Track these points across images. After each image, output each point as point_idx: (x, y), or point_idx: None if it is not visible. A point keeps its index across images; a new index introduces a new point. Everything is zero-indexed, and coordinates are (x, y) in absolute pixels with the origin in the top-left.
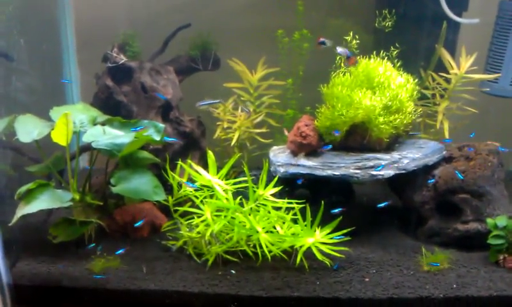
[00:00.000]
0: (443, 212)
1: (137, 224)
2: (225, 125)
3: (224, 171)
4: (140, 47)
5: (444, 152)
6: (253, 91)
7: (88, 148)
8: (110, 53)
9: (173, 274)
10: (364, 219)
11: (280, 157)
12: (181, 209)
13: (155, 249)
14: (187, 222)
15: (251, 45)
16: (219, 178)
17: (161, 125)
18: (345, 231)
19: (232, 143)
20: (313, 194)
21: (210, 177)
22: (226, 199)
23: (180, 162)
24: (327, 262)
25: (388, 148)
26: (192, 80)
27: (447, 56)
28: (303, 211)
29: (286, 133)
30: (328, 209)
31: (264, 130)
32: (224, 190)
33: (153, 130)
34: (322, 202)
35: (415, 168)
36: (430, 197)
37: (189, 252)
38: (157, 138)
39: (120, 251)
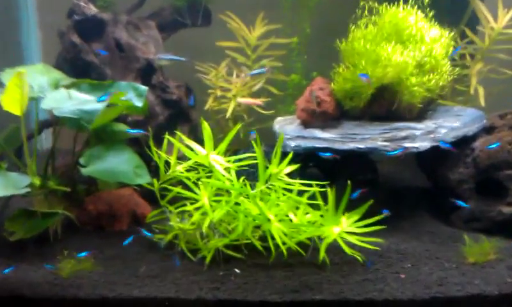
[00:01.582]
0: (484, 193)
1: (126, 242)
2: (218, 94)
3: (223, 145)
4: None
5: (484, 121)
6: (250, 52)
7: (53, 122)
8: (77, 3)
9: (162, 276)
10: (390, 203)
11: (288, 128)
12: (170, 194)
13: (138, 245)
14: (178, 210)
15: None
16: (218, 154)
17: (143, 88)
18: (377, 217)
19: (227, 115)
20: (325, 174)
21: (206, 153)
22: (229, 180)
23: (167, 136)
24: (358, 257)
25: (420, 115)
26: (179, 39)
27: (482, 8)
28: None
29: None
30: (345, 191)
31: (263, 99)
32: (225, 169)
33: (134, 94)
34: (349, 183)
35: (454, 139)
36: (469, 175)
37: (181, 248)
38: (139, 104)
39: (86, 253)
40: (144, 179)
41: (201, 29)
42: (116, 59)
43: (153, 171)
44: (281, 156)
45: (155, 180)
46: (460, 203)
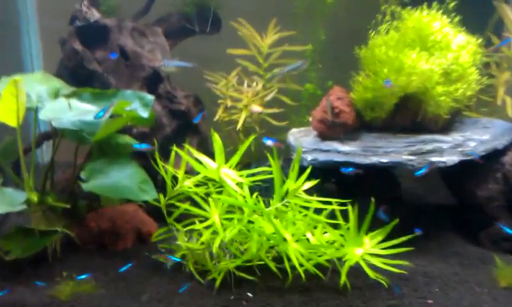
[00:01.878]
0: None
1: (123, 268)
2: (228, 104)
3: (235, 158)
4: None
5: None
6: (262, 60)
7: (53, 133)
8: (79, 9)
9: (168, 300)
10: (414, 221)
11: (303, 141)
12: (177, 212)
13: (143, 265)
14: (186, 228)
15: (260, 2)
16: (229, 168)
17: (150, 97)
18: (404, 238)
19: (238, 126)
20: (343, 191)
21: (217, 167)
22: (242, 196)
23: (174, 148)
24: (382, 281)
25: (445, 128)
26: (187, 47)
27: (509, 13)
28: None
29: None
30: (365, 209)
31: (276, 110)
32: (237, 184)
33: (139, 104)
34: (372, 200)
35: (484, 153)
36: (499, 191)
37: (189, 270)
38: (145, 114)
39: (87, 275)
40: (150, 195)
41: (210, 38)
42: (121, 68)
43: (160, 186)
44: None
45: (161, 196)
46: (507, 230)
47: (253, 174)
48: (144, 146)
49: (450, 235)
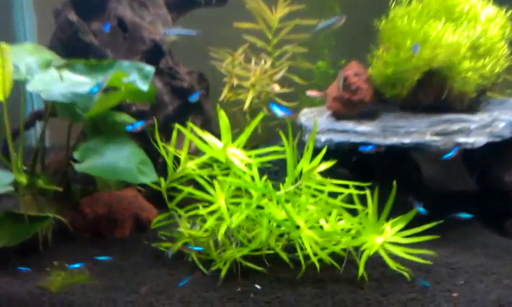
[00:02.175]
0: None
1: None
2: (234, 83)
3: (243, 137)
4: None
5: None
6: (271, 36)
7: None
8: None
9: (169, 292)
10: (435, 208)
11: (317, 121)
12: (180, 196)
13: (142, 254)
14: (189, 214)
15: None
16: (237, 148)
17: (149, 68)
18: (428, 226)
19: (245, 107)
20: (357, 176)
21: (223, 146)
22: (252, 178)
23: (177, 126)
24: (404, 272)
25: (471, 107)
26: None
27: None
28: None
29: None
30: (384, 195)
31: (286, 89)
32: (246, 165)
33: (138, 76)
34: (394, 184)
35: None
36: None
37: (191, 259)
38: (144, 87)
39: (80, 265)
40: (149, 177)
41: (216, 13)
42: (119, 40)
43: (161, 169)
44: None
45: (162, 179)
46: None
47: (263, 155)
48: (138, 124)
49: (474, 223)
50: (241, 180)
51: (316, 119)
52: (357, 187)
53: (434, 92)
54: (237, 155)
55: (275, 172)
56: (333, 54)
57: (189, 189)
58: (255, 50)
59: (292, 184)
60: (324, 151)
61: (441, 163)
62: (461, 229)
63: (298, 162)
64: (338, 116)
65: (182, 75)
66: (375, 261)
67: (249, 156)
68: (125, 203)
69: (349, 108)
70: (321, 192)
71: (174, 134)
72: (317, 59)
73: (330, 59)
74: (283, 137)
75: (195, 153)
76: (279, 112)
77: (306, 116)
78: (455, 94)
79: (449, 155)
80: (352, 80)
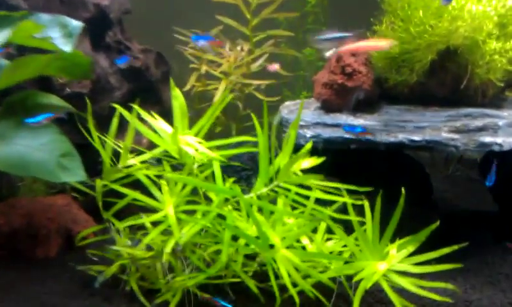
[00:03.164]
0: None
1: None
2: (203, 70)
3: (203, 122)
4: None
5: None
6: (250, 16)
7: None
8: None
9: None
10: (448, 231)
11: (302, 114)
12: (121, 203)
13: (67, 281)
14: (126, 225)
15: None
16: (195, 137)
17: (76, 23)
18: (448, 249)
19: (215, 99)
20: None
21: (173, 132)
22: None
23: (118, 108)
24: None
25: (493, 102)
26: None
27: None
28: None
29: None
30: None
31: (265, 81)
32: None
33: (60, 33)
34: (403, 191)
35: None
36: None
37: (130, 288)
38: (65, 47)
39: None
40: (74, 175)
41: None
42: (55, 4)
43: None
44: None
45: (97, 181)
46: None
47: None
48: (42, 117)
49: (496, 250)
50: (197, 179)
51: (289, 114)
52: (353, 196)
53: (450, 80)
54: (193, 145)
55: (247, 177)
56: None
57: (126, 191)
58: (231, 34)
59: (266, 186)
60: (309, 145)
61: (446, 179)
62: (478, 256)
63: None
64: (328, 107)
65: (135, 52)
66: (373, 295)
67: (210, 148)
68: (52, 214)
69: (342, 97)
70: (305, 199)
71: (114, 121)
72: (303, 45)
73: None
74: (256, 125)
75: (150, 148)
76: (201, 42)
77: (288, 108)
78: (476, 84)
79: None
80: (347, 61)
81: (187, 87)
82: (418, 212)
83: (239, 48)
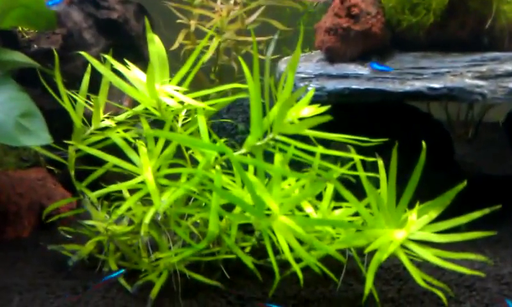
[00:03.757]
0: None
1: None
2: (192, 26)
3: (187, 67)
4: None
5: None
6: None
7: None
8: None
9: None
10: (473, 198)
11: (302, 66)
12: (99, 171)
13: (39, 262)
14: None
15: None
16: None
17: None
18: (479, 213)
19: (204, 58)
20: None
21: (149, 82)
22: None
23: (85, 56)
24: (438, 292)
25: None
26: None
27: None
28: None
29: None
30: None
31: (263, 37)
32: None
33: None
34: (424, 145)
35: None
36: None
37: (108, 269)
38: None
39: None
40: (36, 138)
41: None
42: None
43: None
44: None
45: (71, 147)
46: None
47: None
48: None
49: None
50: (175, 134)
51: (300, 66)
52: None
53: (472, 20)
54: (173, 94)
55: (242, 141)
56: None
57: (97, 153)
58: None
59: (260, 139)
60: (312, 92)
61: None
62: (508, 224)
63: None
64: (333, 55)
65: (111, 3)
66: (389, 271)
67: (195, 99)
68: (23, 189)
69: (348, 43)
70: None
71: (86, 77)
72: None
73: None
74: (245, 70)
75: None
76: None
77: (287, 62)
78: (503, 24)
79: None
80: (353, 1)
81: (175, 45)
82: (440, 177)
83: (232, 1)
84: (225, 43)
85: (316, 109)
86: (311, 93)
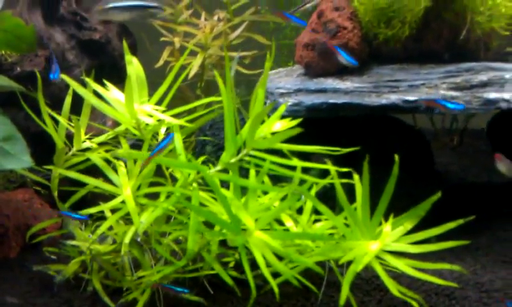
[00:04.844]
0: None
1: None
2: (177, 43)
3: (165, 87)
4: None
5: None
6: None
7: None
8: None
9: None
10: (454, 205)
11: (282, 81)
12: (82, 191)
13: (26, 282)
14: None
15: None
16: (154, 106)
17: None
18: (453, 224)
19: (190, 74)
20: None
21: (127, 101)
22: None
23: (66, 79)
24: (413, 302)
25: (497, 57)
26: None
27: None
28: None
29: None
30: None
31: (247, 53)
32: (167, 129)
33: None
34: (396, 158)
35: None
36: None
37: (93, 288)
38: None
39: None
40: (17, 161)
41: None
42: None
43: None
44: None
45: (54, 169)
46: None
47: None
48: None
49: (508, 226)
50: (147, 153)
51: (280, 81)
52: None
53: (447, 32)
54: (151, 113)
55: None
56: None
57: (76, 175)
58: (208, 3)
59: (234, 156)
60: (282, 108)
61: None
62: (488, 232)
63: None
64: (312, 70)
65: (93, 24)
66: (370, 282)
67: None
68: (10, 210)
69: (326, 58)
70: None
71: (67, 99)
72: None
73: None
74: (220, 84)
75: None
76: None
77: (269, 77)
78: (478, 34)
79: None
80: (329, 16)
81: (160, 63)
82: (420, 187)
83: (215, 17)
84: (210, 58)
85: (288, 123)
86: (282, 107)
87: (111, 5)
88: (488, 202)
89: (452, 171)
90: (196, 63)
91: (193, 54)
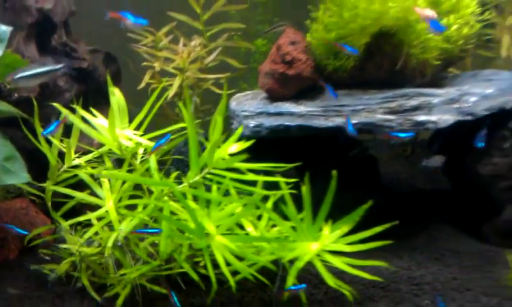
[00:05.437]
0: None
1: None
2: (157, 67)
3: (142, 114)
4: None
5: None
6: (200, 10)
7: None
8: None
9: None
10: (395, 211)
11: (247, 104)
12: (71, 202)
13: (24, 281)
14: (71, 223)
15: None
16: (134, 130)
17: (4, 28)
18: (379, 228)
19: (170, 95)
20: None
21: (110, 127)
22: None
23: (57, 105)
24: (345, 291)
25: (434, 82)
26: None
27: None
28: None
29: None
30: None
31: (221, 75)
32: (144, 151)
33: None
34: (334, 173)
35: (488, 112)
36: (507, 167)
37: (81, 284)
38: None
39: None
40: (17, 177)
41: None
42: None
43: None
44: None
45: (48, 182)
46: None
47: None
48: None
49: (444, 228)
50: (126, 174)
51: (246, 104)
52: (291, 182)
53: (387, 62)
54: (131, 137)
55: None
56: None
57: (66, 190)
58: (187, 30)
59: (198, 174)
60: (240, 130)
61: (402, 163)
62: (425, 233)
63: None
64: (272, 96)
65: (81, 54)
66: (319, 276)
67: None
68: (9, 218)
69: (284, 85)
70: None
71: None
72: (256, 37)
73: (274, 34)
74: (183, 110)
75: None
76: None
77: (237, 100)
78: (413, 64)
79: (406, 135)
80: (286, 49)
81: (142, 85)
82: (363, 195)
83: (192, 43)
84: (188, 80)
85: (242, 145)
86: (239, 131)
87: (19, 75)
88: (430, 207)
89: (402, 179)
90: (175, 85)
91: (172, 75)
